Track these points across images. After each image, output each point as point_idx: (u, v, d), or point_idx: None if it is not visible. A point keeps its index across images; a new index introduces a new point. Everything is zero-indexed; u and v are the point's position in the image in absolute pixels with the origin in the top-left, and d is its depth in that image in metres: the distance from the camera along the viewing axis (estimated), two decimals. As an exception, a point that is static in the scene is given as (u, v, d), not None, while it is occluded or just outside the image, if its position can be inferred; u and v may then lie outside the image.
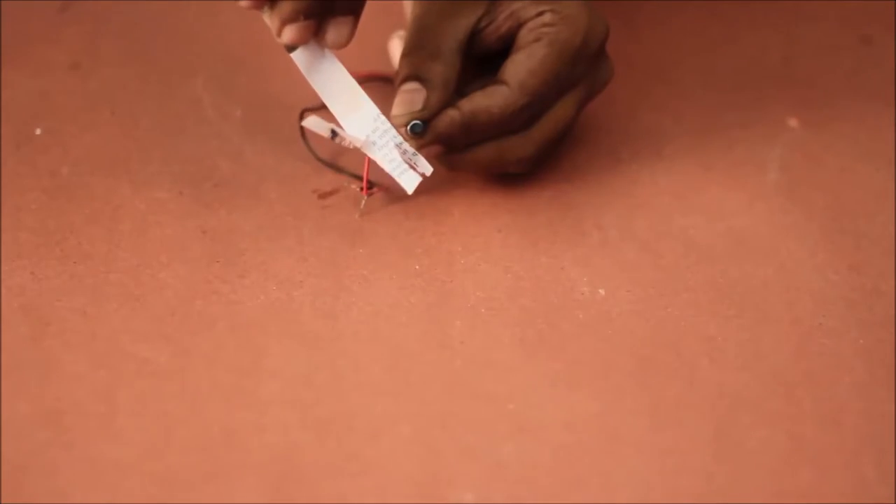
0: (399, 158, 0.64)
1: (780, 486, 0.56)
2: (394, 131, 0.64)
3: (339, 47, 0.61)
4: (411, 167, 0.64)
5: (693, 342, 0.61)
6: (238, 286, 0.62)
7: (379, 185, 0.67)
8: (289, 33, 0.60)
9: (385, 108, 0.65)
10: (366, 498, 0.54)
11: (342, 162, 0.69)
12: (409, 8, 0.68)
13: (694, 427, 0.58)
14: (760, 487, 0.56)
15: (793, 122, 0.74)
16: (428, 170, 0.64)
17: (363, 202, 0.66)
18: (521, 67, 0.64)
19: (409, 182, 0.65)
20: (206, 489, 0.54)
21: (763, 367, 0.60)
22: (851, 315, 0.63)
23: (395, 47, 0.71)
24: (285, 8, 0.59)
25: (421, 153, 0.64)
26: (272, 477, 0.55)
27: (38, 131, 0.70)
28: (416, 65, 0.64)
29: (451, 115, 0.64)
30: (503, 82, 0.64)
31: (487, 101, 0.64)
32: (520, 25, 0.65)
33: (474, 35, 0.65)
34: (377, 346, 0.60)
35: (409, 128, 0.63)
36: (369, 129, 0.64)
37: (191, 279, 0.63)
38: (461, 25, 0.65)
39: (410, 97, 0.63)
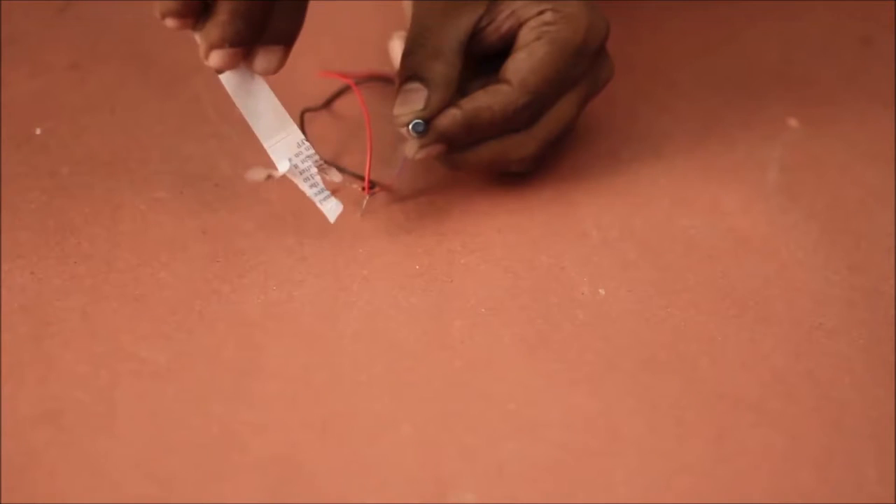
0: (321, 184, 0.63)
1: (780, 486, 0.56)
2: (317, 157, 0.63)
3: (267, 74, 0.60)
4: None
5: (693, 342, 0.61)
6: (238, 286, 0.62)
7: (380, 185, 0.67)
8: (215, 58, 0.58)
9: (386, 108, 0.65)
10: (366, 498, 0.54)
11: (343, 162, 0.69)
12: (409, 8, 0.68)
13: (694, 427, 0.58)
14: (760, 487, 0.56)
15: (793, 122, 0.74)
16: (337, 206, 0.63)
17: (365, 202, 0.66)
18: (523, 66, 0.64)
19: (331, 210, 0.64)
20: (206, 489, 0.54)
21: (763, 367, 0.60)
22: (851, 315, 0.63)
23: (396, 47, 0.71)
24: (212, 34, 0.58)
25: (423, 153, 0.64)
26: (272, 477, 0.55)
27: (38, 131, 0.70)
28: (417, 64, 0.64)
29: (453, 113, 0.64)
30: (504, 81, 0.64)
31: (489, 99, 0.64)
32: (520, 24, 0.65)
33: (475, 34, 0.65)
34: (377, 346, 0.60)
35: (410, 127, 0.63)
36: (292, 152, 0.63)
37: (191, 279, 0.62)
38: (462, 25, 0.65)
39: (412, 96, 0.63)
